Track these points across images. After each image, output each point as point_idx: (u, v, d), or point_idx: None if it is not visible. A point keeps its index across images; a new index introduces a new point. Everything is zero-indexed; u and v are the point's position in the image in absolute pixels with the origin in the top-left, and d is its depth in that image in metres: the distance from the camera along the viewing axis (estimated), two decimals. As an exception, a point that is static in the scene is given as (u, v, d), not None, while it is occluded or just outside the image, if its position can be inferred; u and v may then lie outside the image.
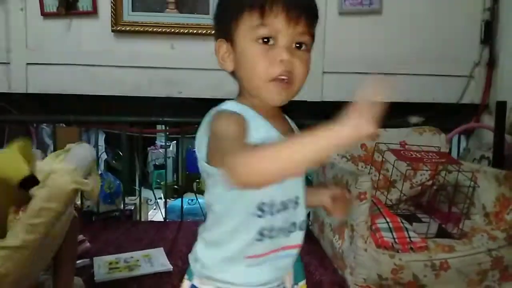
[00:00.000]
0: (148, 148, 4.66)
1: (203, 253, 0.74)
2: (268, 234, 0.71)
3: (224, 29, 0.71)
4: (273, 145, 0.60)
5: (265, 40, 0.68)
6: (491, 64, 2.31)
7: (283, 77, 0.68)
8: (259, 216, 0.70)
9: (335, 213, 0.81)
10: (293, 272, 0.79)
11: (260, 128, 0.69)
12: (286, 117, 0.81)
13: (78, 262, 1.63)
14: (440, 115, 2.35)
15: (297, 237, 0.75)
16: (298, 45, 0.70)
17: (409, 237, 1.49)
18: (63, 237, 1.20)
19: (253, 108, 0.72)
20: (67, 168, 1.11)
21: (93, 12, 2.18)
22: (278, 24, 0.67)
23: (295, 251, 0.75)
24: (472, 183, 1.67)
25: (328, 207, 0.81)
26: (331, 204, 0.80)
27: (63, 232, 1.19)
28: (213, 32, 0.76)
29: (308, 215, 2.48)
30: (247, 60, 0.69)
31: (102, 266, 1.66)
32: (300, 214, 0.74)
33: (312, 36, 0.73)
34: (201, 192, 4.03)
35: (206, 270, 0.72)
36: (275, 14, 0.66)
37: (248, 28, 0.68)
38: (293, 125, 0.81)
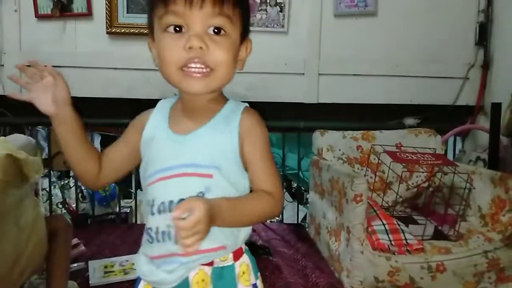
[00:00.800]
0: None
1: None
2: (155, 236, 0.70)
3: (149, 29, 0.72)
4: None
5: (177, 29, 0.65)
6: (486, 65, 2.32)
7: (194, 65, 0.64)
8: (148, 214, 0.71)
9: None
10: (210, 278, 0.70)
11: (152, 126, 0.74)
12: (227, 113, 0.71)
13: (73, 265, 1.61)
14: (436, 117, 2.35)
15: None
16: (216, 30, 0.66)
17: (405, 239, 1.49)
18: (41, 235, 1.16)
19: (181, 101, 0.74)
20: None
21: (88, 14, 2.17)
22: (180, 9, 0.63)
23: (185, 259, 0.68)
24: (468, 184, 1.67)
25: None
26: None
27: (37, 229, 1.15)
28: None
29: (305, 217, 2.48)
30: (159, 51, 0.68)
31: (97, 269, 1.64)
32: None
33: (230, 18, 0.66)
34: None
35: (135, 258, 0.77)
36: (176, 0, 0.63)
37: (158, 19, 0.67)
38: (227, 124, 0.70)
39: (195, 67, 0.64)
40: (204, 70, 0.65)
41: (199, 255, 0.68)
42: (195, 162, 0.68)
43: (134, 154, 0.76)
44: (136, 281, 0.79)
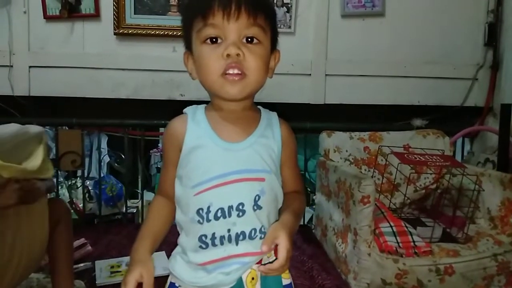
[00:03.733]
0: (151, 151, 4.66)
1: (173, 254, 0.80)
2: (210, 242, 0.72)
3: (186, 41, 0.76)
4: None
5: (213, 40, 0.71)
6: (495, 66, 2.30)
7: (232, 70, 0.69)
8: (199, 222, 0.73)
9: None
10: (259, 275, 0.75)
11: (195, 136, 0.75)
12: (266, 121, 0.79)
13: (79, 265, 1.62)
14: (444, 118, 2.33)
15: (248, 246, 0.73)
16: (249, 39, 0.71)
17: (413, 242, 1.47)
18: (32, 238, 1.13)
19: (217, 110, 0.77)
20: None
21: (96, 15, 2.18)
22: (218, 22, 0.69)
23: (247, 259, 0.73)
24: (477, 186, 1.65)
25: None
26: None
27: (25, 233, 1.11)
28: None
29: (311, 218, 2.47)
30: (199, 61, 0.72)
31: (103, 269, 1.65)
32: (249, 223, 0.72)
33: (263, 28, 0.72)
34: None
35: (171, 266, 0.79)
36: (213, 13, 0.69)
37: (196, 33, 0.72)
38: (271, 131, 0.78)
39: (233, 72, 0.70)
40: (239, 73, 0.70)
41: (258, 256, 0.74)
42: (250, 168, 0.73)
43: None
44: None
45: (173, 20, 2.21)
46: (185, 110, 0.80)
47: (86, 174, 2.56)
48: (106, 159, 3.56)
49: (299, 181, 0.83)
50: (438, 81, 2.34)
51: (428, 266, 1.43)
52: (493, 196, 1.67)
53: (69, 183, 2.61)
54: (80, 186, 2.47)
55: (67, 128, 2.41)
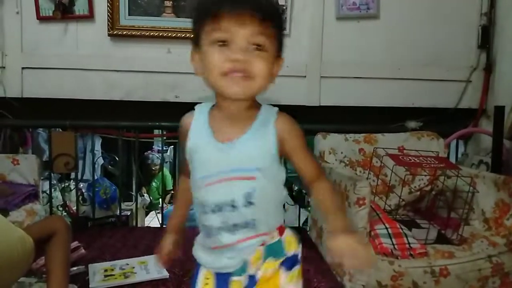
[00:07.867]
0: (145, 153, 4.64)
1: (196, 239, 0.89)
2: (210, 231, 0.81)
3: (195, 40, 0.80)
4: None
5: (222, 42, 0.74)
6: (489, 68, 2.31)
7: (236, 74, 0.73)
8: (202, 213, 0.82)
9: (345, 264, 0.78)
10: (263, 253, 0.82)
11: (196, 134, 0.81)
12: (263, 117, 0.80)
13: (73, 269, 1.60)
14: (438, 120, 2.34)
15: (245, 233, 0.80)
16: (257, 46, 0.74)
17: (409, 243, 1.47)
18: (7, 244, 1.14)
19: (218, 109, 0.82)
20: None
21: (90, 16, 2.17)
22: (228, 26, 0.72)
23: (245, 244, 0.80)
24: (471, 188, 1.66)
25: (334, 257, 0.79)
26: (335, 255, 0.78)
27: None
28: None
29: (306, 220, 2.47)
30: (206, 61, 0.76)
31: (97, 273, 1.63)
32: (241, 216, 0.79)
33: (270, 36, 0.75)
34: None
35: (194, 251, 0.88)
36: (224, 18, 0.72)
37: (206, 34, 0.75)
38: (265, 127, 0.79)
39: (237, 75, 0.73)
40: (243, 78, 0.74)
41: (250, 241, 0.80)
42: (240, 167, 0.78)
43: None
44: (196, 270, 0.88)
45: (168, 21, 2.20)
46: (196, 106, 0.85)
47: (79, 177, 2.53)
48: (100, 161, 3.54)
49: (315, 167, 0.84)
50: (433, 83, 2.35)
51: (423, 268, 1.43)
52: (487, 197, 1.68)
53: (63, 185, 2.59)
54: (74, 188, 2.45)
55: (60, 130, 2.38)
